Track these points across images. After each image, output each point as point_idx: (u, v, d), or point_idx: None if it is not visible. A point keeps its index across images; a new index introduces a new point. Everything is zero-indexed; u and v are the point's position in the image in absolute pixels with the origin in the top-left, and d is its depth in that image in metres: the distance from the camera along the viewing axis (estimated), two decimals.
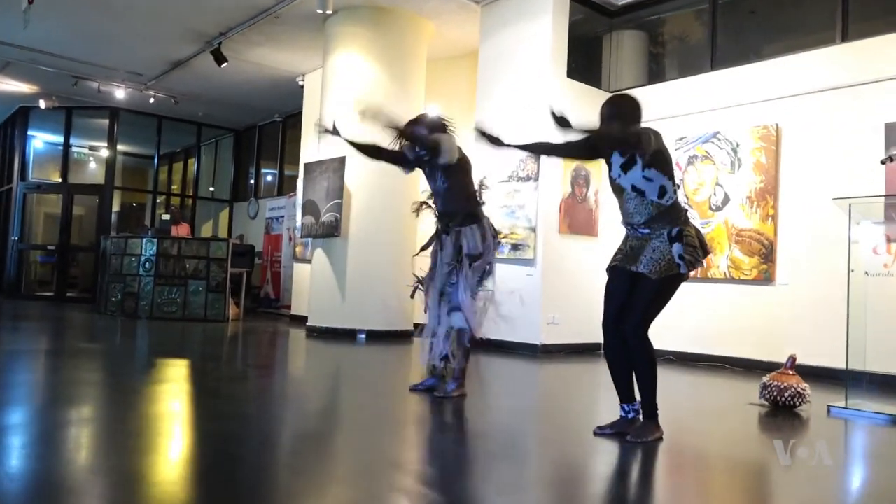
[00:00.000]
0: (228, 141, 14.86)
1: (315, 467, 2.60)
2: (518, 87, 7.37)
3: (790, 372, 4.18)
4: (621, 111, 3.21)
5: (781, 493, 2.55)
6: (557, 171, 7.14)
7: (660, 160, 3.07)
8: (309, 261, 10.01)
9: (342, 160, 7.89)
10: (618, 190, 3.21)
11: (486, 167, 7.55)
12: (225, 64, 9.30)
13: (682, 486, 2.61)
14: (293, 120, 12.53)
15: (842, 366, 5.05)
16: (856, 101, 5.81)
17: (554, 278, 6.99)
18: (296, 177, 11.63)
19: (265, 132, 13.84)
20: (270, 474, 2.41)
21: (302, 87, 10.70)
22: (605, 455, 2.95)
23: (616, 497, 2.43)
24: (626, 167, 3.13)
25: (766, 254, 6.24)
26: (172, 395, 4.00)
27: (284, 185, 12.95)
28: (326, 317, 8.04)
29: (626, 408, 3.20)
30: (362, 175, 7.93)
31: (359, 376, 5.42)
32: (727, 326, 6.43)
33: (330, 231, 7.98)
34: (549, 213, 7.07)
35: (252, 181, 14.26)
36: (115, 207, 14.45)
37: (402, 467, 2.64)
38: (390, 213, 7.97)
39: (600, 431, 3.17)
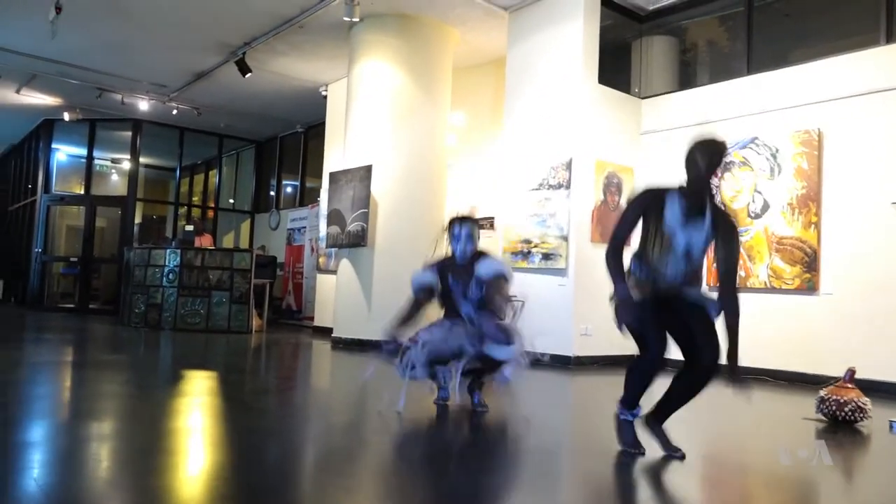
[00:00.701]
0: (250, 152, 14.84)
1: (344, 482, 2.45)
2: (548, 94, 7.23)
3: (849, 385, 3.97)
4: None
5: None
6: (590, 177, 6.98)
7: None
8: (333, 271, 9.91)
9: (368, 168, 7.78)
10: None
11: (516, 174, 7.44)
12: (249, 74, 9.25)
13: None
14: (315, 131, 12.48)
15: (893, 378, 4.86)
16: None
17: (586, 288, 6.81)
18: (318, 188, 11.57)
19: (286, 143, 13.80)
20: (300, 493, 2.26)
21: (325, 97, 10.64)
22: (655, 472, 2.77)
23: None
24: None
25: (809, 262, 6.03)
26: (199, 408, 3.86)
27: (306, 196, 12.88)
28: (353, 328, 7.91)
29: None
30: (389, 183, 7.82)
31: (384, 389, 5.24)
32: (768, 338, 6.21)
33: (356, 241, 7.86)
34: (581, 222, 6.90)
35: (273, 192, 14.21)
36: (137, 219, 14.46)
37: (434, 488, 2.48)
38: (417, 221, 7.84)
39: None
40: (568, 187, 6.93)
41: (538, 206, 7.16)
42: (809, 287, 6.01)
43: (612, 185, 7.16)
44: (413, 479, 2.61)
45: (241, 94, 11.06)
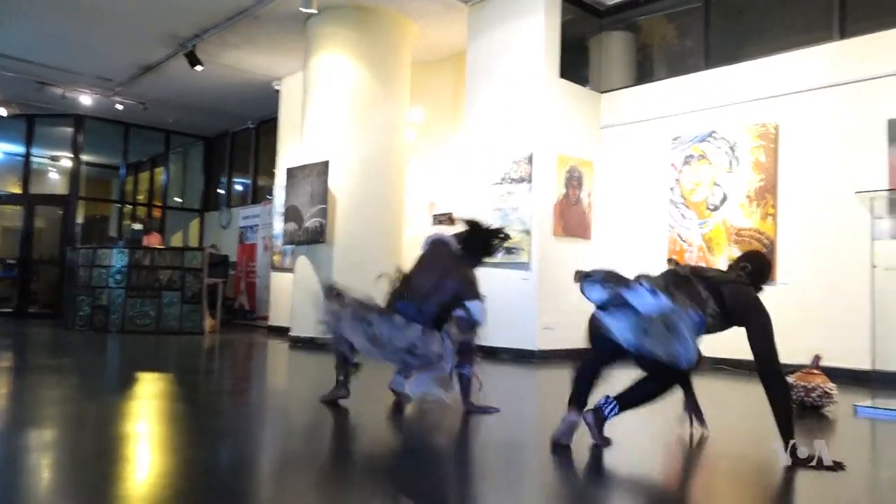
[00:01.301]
0: (198, 149, 14.42)
1: (301, 485, 2.32)
2: (509, 88, 7.20)
3: (816, 371, 4.03)
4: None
5: (814, 493, 2.35)
6: (552, 172, 6.97)
7: None
8: (289, 269, 9.68)
9: (326, 164, 7.61)
10: None
11: (478, 169, 7.39)
12: (200, 67, 8.96)
13: (722, 492, 2.41)
14: (267, 126, 12.20)
15: (853, 365, 4.97)
16: (856, 98, 5.76)
17: (549, 282, 6.79)
18: (270, 185, 11.31)
19: (237, 139, 13.46)
20: (259, 494, 2.13)
21: (278, 91, 10.39)
22: (625, 459, 2.74)
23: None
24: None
25: (767, 253, 6.13)
26: (151, 412, 3.66)
27: (258, 194, 12.58)
28: (311, 327, 7.66)
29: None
30: (347, 179, 7.67)
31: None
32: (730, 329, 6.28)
33: (314, 237, 7.68)
34: (543, 216, 6.88)
35: (224, 190, 13.85)
36: (79, 219, 13.88)
37: (398, 485, 2.39)
38: (377, 217, 7.72)
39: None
40: (530, 181, 6.90)
41: (500, 201, 7.11)
42: None
43: (573, 179, 7.17)
44: (372, 476, 2.51)
45: (191, 88, 10.71)
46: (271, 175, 11.13)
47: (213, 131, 13.78)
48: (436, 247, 3.90)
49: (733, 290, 2.80)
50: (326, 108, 7.87)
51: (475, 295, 3.69)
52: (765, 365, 2.70)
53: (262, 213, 11.58)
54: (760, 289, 3.00)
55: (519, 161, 6.98)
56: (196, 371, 5.89)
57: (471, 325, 3.60)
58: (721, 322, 2.77)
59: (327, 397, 3.76)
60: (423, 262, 3.86)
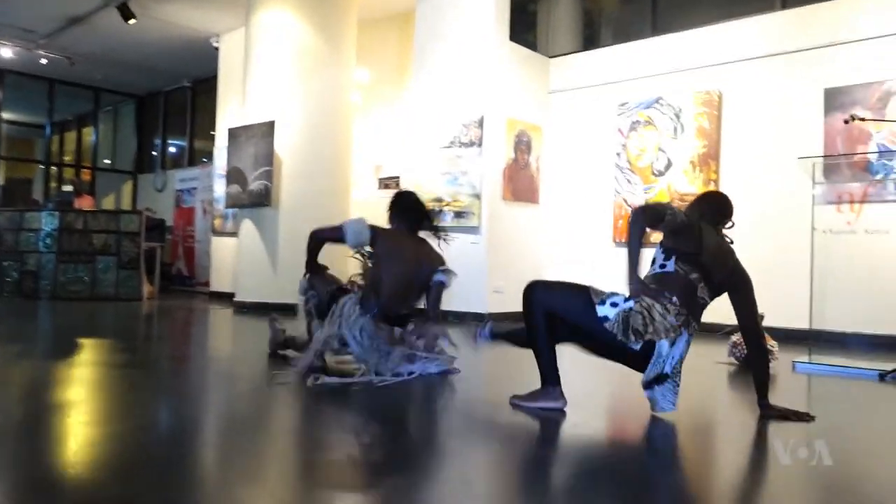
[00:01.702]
0: (130, 108, 13.80)
1: (243, 453, 2.30)
2: (459, 50, 7.12)
3: None
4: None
5: (753, 446, 2.47)
6: (501, 135, 6.97)
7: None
8: (232, 233, 9.47)
9: (271, 124, 7.40)
10: None
11: (426, 132, 7.32)
12: (133, 21, 8.53)
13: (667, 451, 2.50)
14: (205, 85, 11.75)
15: (793, 325, 5.20)
16: (795, 68, 5.95)
17: (499, 246, 6.85)
18: (209, 147, 10.95)
19: (172, 99, 12.93)
20: (201, 461, 2.09)
21: (217, 48, 10.00)
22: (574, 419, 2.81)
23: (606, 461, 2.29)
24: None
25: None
26: (86, 380, 3.52)
27: (196, 155, 12.16)
28: (257, 291, 7.58)
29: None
30: (293, 140, 7.49)
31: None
32: None
33: (259, 200, 7.49)
34: (493, 180, 6.90)
35: (158, 152, 13.33)
36: (0, 181, 13.15)
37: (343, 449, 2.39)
38: (324, 179, 7.58)
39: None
40: (480, 145, 6.89)
41: (449, 164, 7.09)
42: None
43: (522, 144, 7.20)
44: (324, 443, 2.49)
45: (122, 43, 10.19)
46: (209, 136, 10.77)
47: (146, 90, 13.19)
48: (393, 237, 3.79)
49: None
50: (271, 66, 7.62)
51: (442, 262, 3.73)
52: (756, 329, 2.83)
53: (201, 175, 11.22)
54: (729, 224, 3.04)
55: (469, 124, 6.95)
56: (137, 337, 5.70)
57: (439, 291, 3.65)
58: (711, 295, 2.79)
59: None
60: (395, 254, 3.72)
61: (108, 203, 13.68)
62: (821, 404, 3.29)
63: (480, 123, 6.87)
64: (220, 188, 9.82)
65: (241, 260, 7.88)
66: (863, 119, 4.27)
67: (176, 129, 12.90)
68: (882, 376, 3.81)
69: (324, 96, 7.63)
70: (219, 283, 9.70)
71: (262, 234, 7.60)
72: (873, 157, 5.42)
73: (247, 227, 7.78)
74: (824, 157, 5.41)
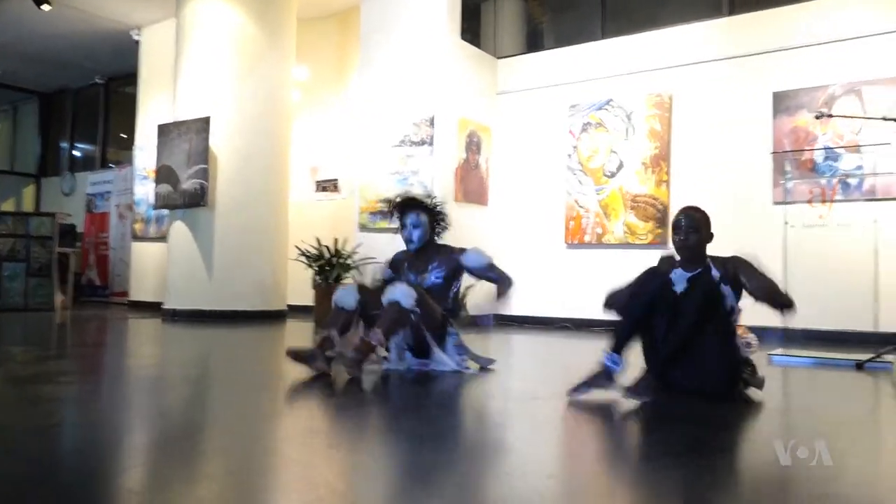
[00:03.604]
0: (32, 106, 12.76)
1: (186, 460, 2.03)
2: (409, 47, 6.93)
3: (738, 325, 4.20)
4: (703, 224, 2.96)
5: (745, 425, 2.42)
6: (453, 135, 6.82)
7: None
8: (154, 239, 8.87)
9: (206, 120, 6.95)
10: None
11: (374, 131, 7.08)
12: (47, 7, 7.84)
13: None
14: (120, 82, 11.03)
15: (764, 323, 5.27)
16: (744, 72, 6.11)
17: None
18: (125, 148, 10.24)
19: (83, 96, 12.03)
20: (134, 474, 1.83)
21: (138, 42, 9.37)
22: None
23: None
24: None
25: (661, 218, 6.40)
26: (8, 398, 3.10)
27: (109, 157, 11.36)
28: (190, 298, 7.06)
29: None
30: (230, 137, 7.07)
31: (233, 363, 4.67)
32: None
33: (194, 200, 7.00)
34: (445, 180, 6.73)
35: (65, 153, 12.37)
36: None
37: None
38: (262, 179, 7.19)
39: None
40: (431, 144, 6.71)
41: (399, 164, 6.87)
42: (661, 241, 6.38)
43: (473, 144, 7.07)
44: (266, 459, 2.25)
45: (28, 33, 9.37)
46: (126, 136, 10.07)
47: (52, 87, 12.21)
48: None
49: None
50: (205, 59, 7.17)
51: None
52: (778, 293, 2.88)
53: (116, 178, 10.47)
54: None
55: (420, 123, 6.76)
56: (57, 350, 5.13)
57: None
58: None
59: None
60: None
61: (7, 207, 12.56)
62: (801, 392, 3.28)
63: (432, 122, 6.70)
64: (140, 190, 9.18)
65: (171, 265, 7.32)
66: (830, 115, 4.38)
67: (86, 128, 12.00)
68: (859, 365, 3.88)
69: (263, 92, 7.25)
70: (140, 292, 9.03)
71: (196, 236, 7.10)
72: (820, 158, 5.62)
73: (178, 229, 7.25)
74: (794, 151, 5.56)
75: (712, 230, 3.02)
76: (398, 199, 3.85)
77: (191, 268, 7.10)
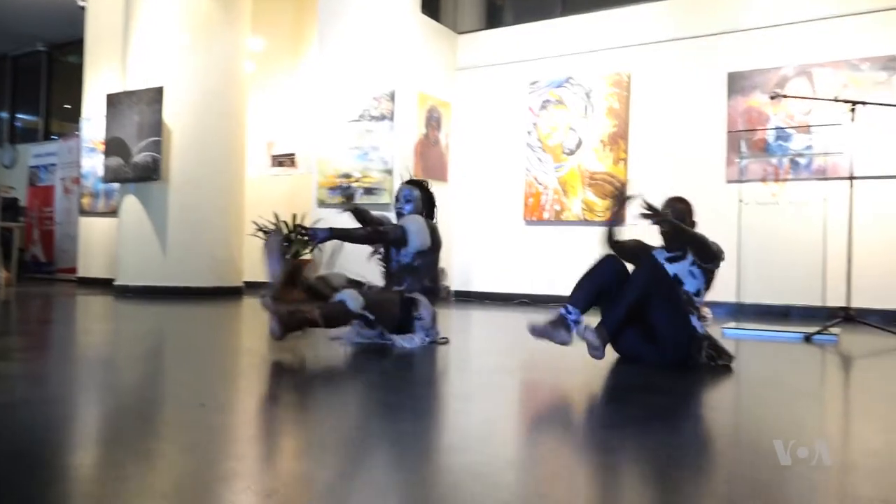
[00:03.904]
0: None
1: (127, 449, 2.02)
2: (369, 20, 6.83)
3: None
4: (687, 215, 3.13)
5: (701, 395, 2.53)
6: (413, 110, 6.77)
7: (710, 268, 3.07)
8: (104, 213, 8.62)
9: (159, 91, 6.74)
10: None
11: (333, 105, 6.98)
12: None
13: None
14: (64, 49, 10.59)
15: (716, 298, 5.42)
16: (700, 52, 6.21)
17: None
18: (70, 118, 9.87)
19: (22, 64, 11.52)
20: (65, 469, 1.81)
21: (83, 8, 8.99)
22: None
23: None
24: (673, 259, 3.08)
25: (619, 195, 6.50)
26: None
27: (52, 128, 10.93)
28: (143, 274, 6.89)
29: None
30: (184, 109, 6.88)
31: (189, 339, 4.61)
32: (582, 267, 6.60)
33: (146, 174, 6.81)
34: (406, 156, 6.69)
35: (5, 124, 11.85)
36: None
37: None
38: (219, 151, 7.04)
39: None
40: (392, 119, 6.65)
41: (359, 139, 6.80)
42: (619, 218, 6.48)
43: (433, 120, 7.04)
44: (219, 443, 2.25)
45: None
46: (69, 107, 9.71)
47: None
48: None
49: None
50: (157, 27, 6.93)
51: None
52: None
53: (61, 150, 10.09)
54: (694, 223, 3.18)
55: (380, 98, 6.69)
56: (9, 326, 4.97)
57: None
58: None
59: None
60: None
61: None
62: (753, 363, 3.40)
63: (392, 97, 6.63)
64: (88, 163, 8.88)
65: (122, 240, 7.13)
66: (784, 96, 4.50)
67: (28, 98, 11.52)
68: (808, 338, 4.04)
69: (218, 62, 7.06)
70: (89, 269, 8.78)
71: (149, 211, 6.92)
72: (771, 138, 5.78)
73: (130, 203, 7.06)
74: (751, 130, 5.69)
75: (694, 219, 3.14)
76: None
77: (144, 243, 6.93)
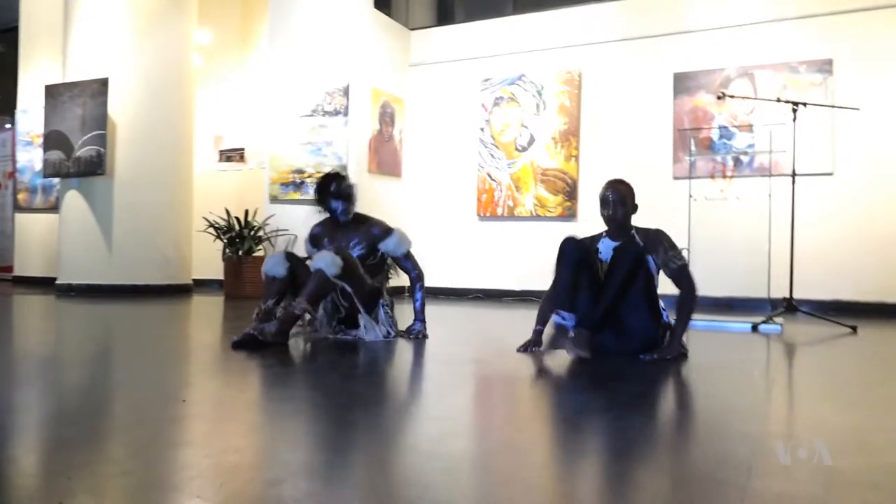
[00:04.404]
0: None
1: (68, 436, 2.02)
2: (321, 13, 6.76)
3: None
4: (628, 196, 3.17)
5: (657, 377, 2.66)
6: (367, 105, 6.75)
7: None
8: (42, 209, 8.31)
9: (104, 82, 6.53)
10: None
11: (285, 100, 6.91)
12: None
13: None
14: None
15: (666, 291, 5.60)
16: (648, 52, 6.39)
17: None
18: (2, 111, 9.45)
19: None
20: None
21: None
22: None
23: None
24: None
25: (570, 192, 6.64)
26: None
27: None
28: (87, 272, 6.68)
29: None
30: (130, 102, 6.69)
31: (138, 338, 4.51)
32: (534, 262, 6.73)
33: (90, 168, 6.59)
34: (359, 151, 6.67)
35: None
36: None
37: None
38: (166, 145, 6.87)
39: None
40: (346, 114, 6.62)
41: (312, 134, 6.74)
42: (570, 214, 6.63)
43: (386, 115, 7.03)
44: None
45: None
46: (6, 97, 9.30)
47: None
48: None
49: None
50: (100, 15, 6.71)
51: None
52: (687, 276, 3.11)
53: None
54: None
55: (333, 92, 6.65)
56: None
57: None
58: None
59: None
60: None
61: None
62: (707, 352, 3.55)
63: (346, 91, 6.60)
64: (24, 157, 8.54)
65: (65, 237, 6.88)
66: (731, 96, 4.68)
67: None
68: (755, 327, 4.23)
69: (163, 54, 6.88)
70: (26, 267, 8.45)
71: (93, 206, 6.70)
72: (715, 136, 6.00)
73: (72, 199, 6.81)
74: (699, 128, 5.88)
75: (636, 201, 3.19)
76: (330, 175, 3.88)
77: (88, 240, 6.71)
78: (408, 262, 3.77)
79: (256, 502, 1.20)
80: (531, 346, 3.12)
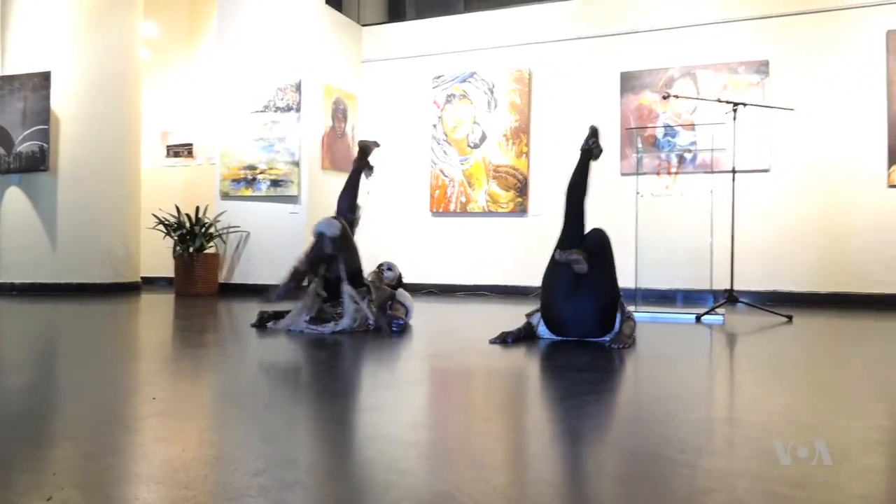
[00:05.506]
0: None
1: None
2: (272, 9, 6.73)
3: None
4: None
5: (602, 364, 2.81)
6: (319, 101, 6.75)
7: None
8: None
9: (46, 76, 6.36)
10: None
11: (235, 96, 6.86)
12: None
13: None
14: None
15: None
16: (595, 52, 6.57)
17: (319, 215, 6.62)
18: None
19: None
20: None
21: None
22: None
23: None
24: None
25: (521, 188, 6.78)
26: None
27: None
28: (30, 271, 6.51)
29: None
30: (75, 94, 6.54)
31: (85, 338, 4.46)
32: (487, 257, 6.86)
33: (32, 164, 6.42)
34: (312, 147, 6.67)
35: None
36: None
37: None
38: (112, 140, 6.75)
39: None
40: (298, 110, 6.61)
41: (264, 130, 6.71)
42: (521, 210, 6.78)
43: (339, 112, 7.04)
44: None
45: None
46: None
47: None
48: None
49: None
50: (41, 6, 6.52)
51: None
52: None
53: None
54: None
55: (285, 88, 6.63)
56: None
57: None
58: None
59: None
60: None
61: None
62: (655, 341, 3.72)
63: (298, 87, 6.59)
64: None
65: (5, 235, 6.68)
66: (676, 96, 4.87)
67: None
68: (698, 318, 4.43)
69: (109, 46, 6.74)
70: None
71: (36, 203, 6.53)
72: (660, 134, 6.22)
73: (13, 196, 6.62)
74: (646, 127, 6.09)
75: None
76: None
77: (30, 238, 6.53)
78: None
79: (243, 490, 1.26)
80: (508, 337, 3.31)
